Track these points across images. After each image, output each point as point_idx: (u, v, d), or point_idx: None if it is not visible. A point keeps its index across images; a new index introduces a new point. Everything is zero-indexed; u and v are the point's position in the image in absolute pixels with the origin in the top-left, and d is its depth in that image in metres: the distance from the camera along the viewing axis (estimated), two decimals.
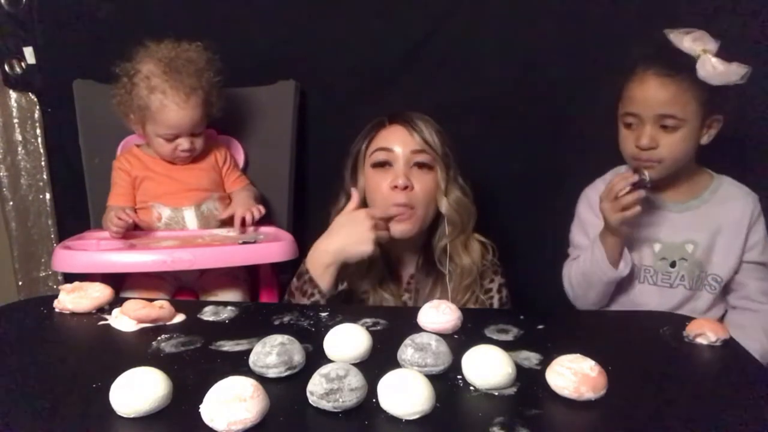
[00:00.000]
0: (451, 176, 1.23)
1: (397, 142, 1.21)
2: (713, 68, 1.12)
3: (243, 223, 1.35)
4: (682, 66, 1.15)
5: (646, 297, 1.28)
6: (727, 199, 1.27)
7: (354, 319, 0.89)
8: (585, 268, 1.28)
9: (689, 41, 1.14)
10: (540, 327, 0.93)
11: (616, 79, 1.25)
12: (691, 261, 1.26)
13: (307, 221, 1.65)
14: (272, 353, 0.74)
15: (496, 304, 1.24)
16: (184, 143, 1.37)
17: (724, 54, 1.13)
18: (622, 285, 1.29)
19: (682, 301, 1.27)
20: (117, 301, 0.99)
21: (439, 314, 0.91)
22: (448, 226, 1.22)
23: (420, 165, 1.20)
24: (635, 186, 1.17)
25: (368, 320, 0.94)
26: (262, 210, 1.37)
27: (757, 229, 1.26)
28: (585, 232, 1.34)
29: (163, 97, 1.32)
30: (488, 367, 0.73)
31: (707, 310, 1.28)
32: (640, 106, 1.19)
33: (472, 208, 1.24)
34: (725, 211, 1.26)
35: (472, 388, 0.73)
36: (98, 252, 1.24)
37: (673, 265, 1.27)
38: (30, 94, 1.64)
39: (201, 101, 1.35)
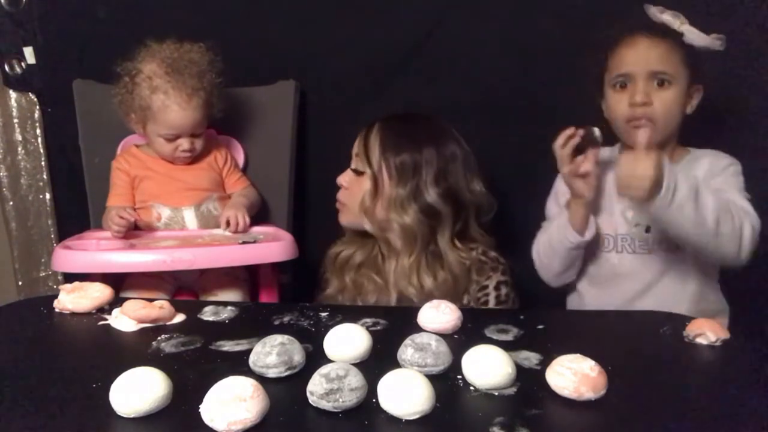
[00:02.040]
0: (397, 192, 1.22)
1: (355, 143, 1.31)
2: (696, 33, 1.17)
3: (228, 224, 1.35)
4: (667, 31, 1.20)
5: (628, 266, 1.27)
6: (700, 159, 1.27)
7: (354, 319, 0.90)
8: (551, 234, 1.28)
9: (668, 16, 1.20)
10: (540, 327, 0.93)
11: (600, 50, 1.27)
12: None
13: (307, 221, 1.65)
14: (272, 353, 0.74)
15: (492, 303, 1.23)
16: (184, 144, 1.37)
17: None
18: (602, 258, 1.29)
19: (664, 266, 1.25)
20: (117, 301, 0.99)
21: (439, 314, 0.91)
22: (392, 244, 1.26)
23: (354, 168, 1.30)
24: (584, 142, 1.20)
25: (368, 320, 0.94)
26: (247, 221, 1.37)
27: (726, 172, 1.23)
28: (557, 201, 1.35)
29: (165, 98, 1.32)
30: (488, 367, 0.73)
31: (696, 274, 1.24)
32: (631, 65, 1.21)
33: (419, 228, 1.22)
34: (698, 168, 1.25)
35: (472, 388, 0.73)
36: (98, 252, 1.23)
37: (647, 230, 1.26)
38: (30, 94, 1.64)
39: (203, 102, 1.36)
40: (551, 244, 1.29)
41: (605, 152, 1.35)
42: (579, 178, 1.22)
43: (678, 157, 1.29)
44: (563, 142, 1.22)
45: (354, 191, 1.28)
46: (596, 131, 1.21)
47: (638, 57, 1.21)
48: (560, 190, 1.35)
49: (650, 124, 1.19)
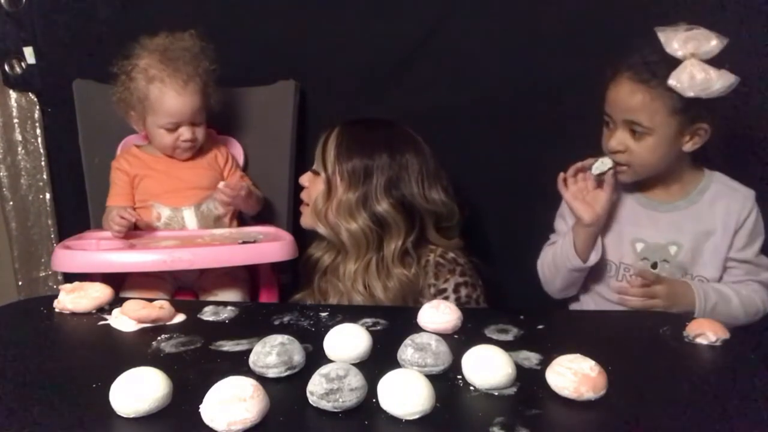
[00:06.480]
0: (347, 197, 1.23)
1: None
2: (690, 77, 1.08)
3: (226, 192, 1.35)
4: (657, 72, 1.12)
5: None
6: (716, 199, 1.24)
7: (354, 319, 0.90)
8: (555, 253, 1.28)
9: (679, 42, 1.10)
10: (540, 327, 0.93)
11: (604, 77, 1.23)
12: (674, 263, 1.23)
13: None
14: (272, 353, 0.75)
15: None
16: (185, 133, 1.37)
17: (721, 55, 1.09)
18: (606, 281, 1.28)
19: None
20: (117, 301, 0.99)
21: (439, 314, 0.91)
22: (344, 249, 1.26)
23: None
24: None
25: (368, 320, 0.94)
26: (241, 189, 1.37)
27: (746, 227, 1.22)
28: (564, 218, 1.34)
29: (162, 85, 1.33)
30: (488, 367, 0.73)
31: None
32: (612, 108, 1.20)
33: (367, 235, 1.22)
34: (713, 212, 1.23)
35: (472, 388, 0.73)
36: (98, 252, 1.24)
37: (654, 266, 1.24)
38: (30, 94, 1.64)
39: (199, 88, 1.36)
40: (555, 262, 1.28)
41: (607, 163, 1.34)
42: (580, 201, 1.21)
43: (692, 183, 1.26)
44: (573, 173, 1.22)
45: (312, 192, 1.30)
46: (604, 162, 1.20)
47: (617, 102, 1.18)
48: (567, 206, 1.34)
49: (626, 169, 1.20)
